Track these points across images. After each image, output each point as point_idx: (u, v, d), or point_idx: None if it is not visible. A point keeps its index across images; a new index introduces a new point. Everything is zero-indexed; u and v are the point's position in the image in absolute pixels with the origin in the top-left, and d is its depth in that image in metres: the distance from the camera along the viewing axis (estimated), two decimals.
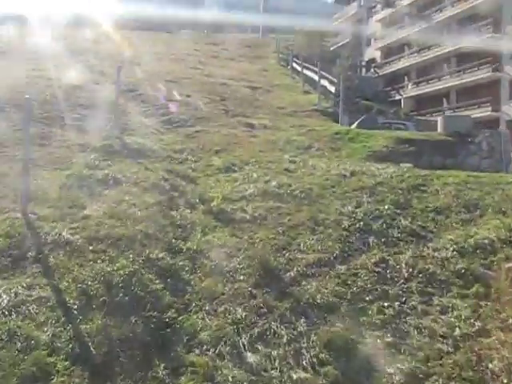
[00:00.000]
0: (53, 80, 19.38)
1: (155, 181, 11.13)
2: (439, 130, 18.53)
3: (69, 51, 26.05)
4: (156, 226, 8.84)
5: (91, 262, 7.32)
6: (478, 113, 32.89)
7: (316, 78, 30.23)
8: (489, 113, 32.85)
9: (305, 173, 12.52)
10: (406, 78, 42.50)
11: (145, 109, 19.68)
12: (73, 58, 24.81)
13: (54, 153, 12.82)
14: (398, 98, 41.86)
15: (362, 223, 9.67)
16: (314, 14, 62.11)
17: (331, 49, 53.15)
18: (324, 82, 25.02)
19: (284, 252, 8.38)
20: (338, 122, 22.29)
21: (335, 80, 24.66)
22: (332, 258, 8.39)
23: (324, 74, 25.47)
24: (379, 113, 33.31)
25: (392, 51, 43.12)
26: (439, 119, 19.42)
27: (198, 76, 27.77)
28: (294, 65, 37.47)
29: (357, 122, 19.70)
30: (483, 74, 33.24)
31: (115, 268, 7.17)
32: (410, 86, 41.45)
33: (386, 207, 10.45)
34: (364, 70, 47.76)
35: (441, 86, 37.31)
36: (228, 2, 77.00)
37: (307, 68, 32.59)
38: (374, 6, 48.07)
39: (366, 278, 7.97)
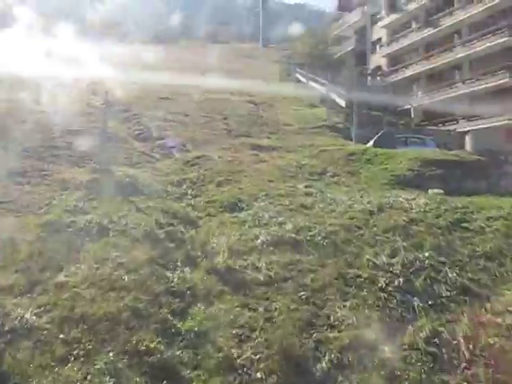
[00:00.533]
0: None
1: (148, 227, 9.34)
2: (468, 147, 16.76)
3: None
4: (147, 297, 7.06)
5: (58, 367, 5.52)
6: (495, 121, 31.14)
7: (322, 90, 28.73)
8: (506, 121, 31.08)
9: (324, 209, 10.74)
10: (414, 86, 40.65)
11: (139, 131, 17.97)
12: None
13: (31, 192, 11.02)
14: (407, 107, 40.03)
15: (401, 279, 7.92)
16: (314, 23, 60.69)
17: (335, 57, 51.47)
18: (332, 95, 23.24)
19: (311, 330, 6.60)
20: (349, 139, 20.63)
21: (344, 93, 22.86)
22: (371, 334, 6.61)
23: (332, 86, 23.67)
24: (389, 125, 31.66)
25: (399, 58, 41.32)
26: (468, 137, 17.63)
27: (197, 92, 26.04)
28: (298, 75, 35.89)
29: (373, 140, 17.93)
30: (500, 79, 31.45)
31: (91, 372, 5.39)
32: (419, 95, 39.60)
33: (427, 254, 8.71)
34: (369, 78, 45.95)
35: (453, 94, 35.47)
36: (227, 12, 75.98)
37: (312, 79, 30.98)
38: (379, 12, 46.32)
39: (418, 364, 6.19)
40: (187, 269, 8.05)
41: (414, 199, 11.69)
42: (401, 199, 11.60)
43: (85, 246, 8.44)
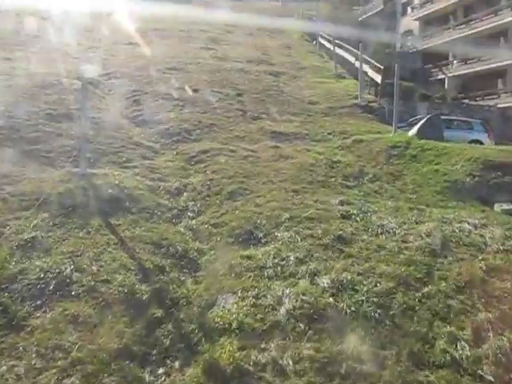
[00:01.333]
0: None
1: (127, 281, 6.70)
2: None
3: None
4: None
5: None
6: None
7: (350, 58, 25.54)
8: None
9: (369, 244, 8.01)
10: (450, 54, 37.19)
11: (137, 113, 15.20)
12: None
13: None
14: (440, 77, 36.70)
15: None
16: None
17: (360, 19, 47.81)
18: (365, 67, 20.16)
19: None
20: (385, 122, 17.69)
21: (380, 66, 19.76)
22: None
23: (363, 56, 20.53)
24: (423, 98, 28.50)
25: (433, 22, 37.77)
26: None
27: (210, 60, 23.03)
28: (321, 40, 32.58)
29: (417, 128, 15.01)
30: None
31: None
32: (455, 64, 36.20)
33: None
34: (399, 44, 42.41)
35: (495, 65, 32.11)
36: None
37: (340, 46, 27.72)
38: None
39: None
40: (177, 364, 5.42)
41: (486, 226, 8.93)
42: (468, 226, 8.85)
43: (27, 321, 5.82)
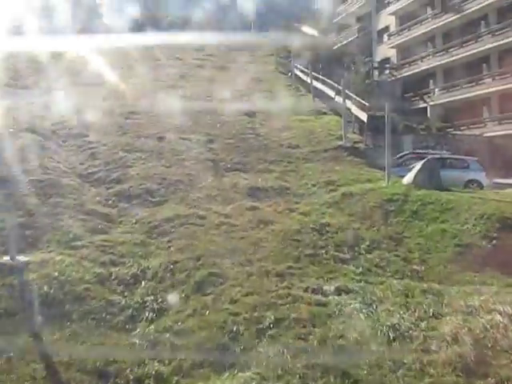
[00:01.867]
0: None
1: None
2: None
3: None
4: None
5: None
6: None
7: (329, 91, 23.96)
8: None
9: (382, 362, 6.07)
10: (431, 82, 36.01)
11: (93, 169, 13.29)
12: None
13: None
14: (422, 106, 35.43)
15: None
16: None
17: (335, 47, 46.70)
18: (348, 104, 18.53)
19: None
20: (374, 165, 16.00)
21: (366, 103, 18.15)
22: None
23: (344, 90, 18.89)
24: (407, 130, 27.07)
25: (411, 49, 36.61)
26: None
27: (179, 100, 21.15)
28: (297, 72, 31.14)
29: (413, 175, 13.29)
30: None
31: None
32: (437, 92, 34.98)
33: None
34: (376, 72, 41.18)
35: (479, 92, 30.87)
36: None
37: (316, 78, 26.19)
38: None
39: None
40: None
41: None
42: (501, 319, 6.99)
43: None
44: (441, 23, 33.99)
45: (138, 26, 37.93)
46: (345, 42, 46.77)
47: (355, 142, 17.75)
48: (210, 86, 25.16)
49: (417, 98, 36.03)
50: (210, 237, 9.69)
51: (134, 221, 10.72)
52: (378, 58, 41.65)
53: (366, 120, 17.50)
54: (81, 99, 19.13)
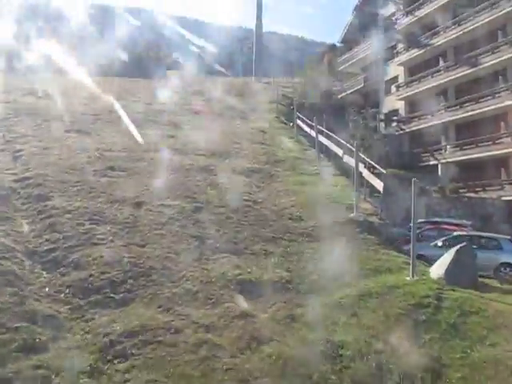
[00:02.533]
0: None
1: None
2: None
3: None
4: None
5: None
6: None
7: (338, 150, 21.61)
8: None
9: None
10: (442, 138, 33.86)
11: (50, 245, 10.78)
12: None
13: None
14: (433, 163, 33.19)
15: None
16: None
17: (340, 96, 44.86)
18: (361, 167, 16.16)
19: None
20: (392, 247, 13.57)
21: (382, 170, 15.77)
22: None
23: (355, 150, 16.43)
24: (419, 193, 24.70)
25: (421, 102, 34.42)
26: None
27: (166, 153, 18.73)
28: (300, 122, 28.98)
29: (444, 266, 10.81)
30: None
31: None
32: (449, 149, 32.79)
33: None
34: (383, 124, 39.09)
35: (495, 152, 28.67)
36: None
37: (321, 132, 23.91)
38: (395, 46, 39.73)
39: None
40: None
41: None
42: None
43: None
44: (454, 76, 32.01)
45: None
46: (350, 92, 44.95)
47: (368, 214, 15.26)
48: (203, 136, 22.83)
49: (427, 155, 33.80)
50: (182, 368, 7.10)
51: (86, 329, 8.17)
52: (384, 109, 39.60)
53: (382, 190, 15.05)
54: (61, 149, 16.85)
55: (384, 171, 15.79)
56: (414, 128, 35.13)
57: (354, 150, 16.26)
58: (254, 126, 28.87)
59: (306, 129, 27.63)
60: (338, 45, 52.57)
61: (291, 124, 31.17)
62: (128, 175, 15.62)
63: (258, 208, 14.76)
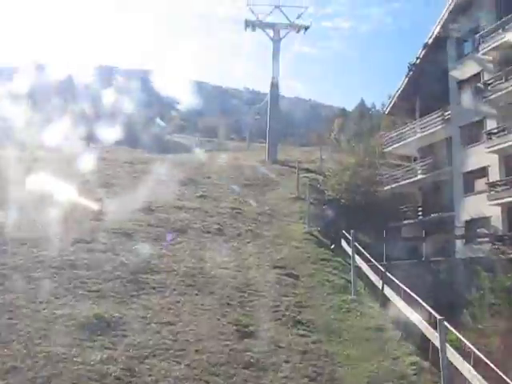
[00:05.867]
0: None
1: None
2: None
3: None
4: None
5: None
6: None
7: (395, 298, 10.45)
8: None
9: None
10: None
11: None
12: None
13: None
14: None
15: None
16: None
17: (386, 188, 32.68)
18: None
19: None
20: None
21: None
22: None
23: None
24: None
25: None
26: None
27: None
28: (346, 246, 16.95)
29: None
30: None
31: None
32: None
33: None
34: (462, 240, 26.40)
35: None
36: None
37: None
38: (481, 122, 27.49)
39: None
40: None
41: None
42: None
43: None
44: None
45: None
46: (402, 183, 32.75)
47: None
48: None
49: None
50: None
51: None
52: (465, 214, 27.20)
53: None
54: None
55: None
56: None
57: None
58: (275, 241, 16.93)
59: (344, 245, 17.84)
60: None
61: (331, 246, 18.87)
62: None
63: None
